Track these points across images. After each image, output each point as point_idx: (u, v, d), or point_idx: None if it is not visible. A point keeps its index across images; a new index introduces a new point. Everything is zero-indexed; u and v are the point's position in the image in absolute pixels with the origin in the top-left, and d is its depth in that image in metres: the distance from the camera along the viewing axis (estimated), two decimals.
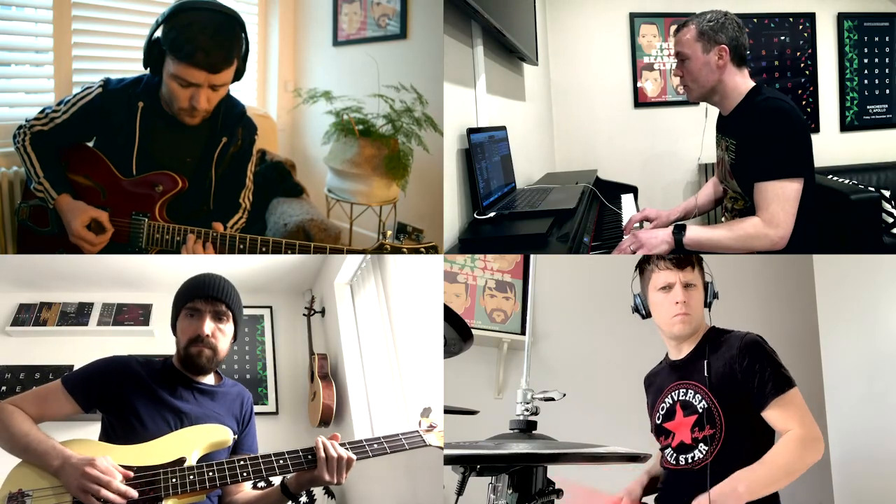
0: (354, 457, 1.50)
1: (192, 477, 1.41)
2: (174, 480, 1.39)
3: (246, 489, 1.62)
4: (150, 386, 1.57)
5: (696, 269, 1.71)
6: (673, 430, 1.67)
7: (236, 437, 1.61)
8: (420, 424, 1.67)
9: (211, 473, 1.42)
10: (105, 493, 1.32)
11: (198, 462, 1.47)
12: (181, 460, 1.44)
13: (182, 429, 1.52)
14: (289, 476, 1.52)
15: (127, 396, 1.54)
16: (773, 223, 1.88)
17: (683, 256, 1.72)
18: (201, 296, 1.62)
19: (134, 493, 1.34)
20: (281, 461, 1.48)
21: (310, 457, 1.49)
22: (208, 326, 1.60)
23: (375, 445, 1.57)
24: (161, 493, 1.37)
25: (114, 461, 1.38)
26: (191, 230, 1.94)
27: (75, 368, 1.62)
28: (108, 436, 1.54)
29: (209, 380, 1.67)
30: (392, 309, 2.90)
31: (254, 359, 3.60)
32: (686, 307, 1.67)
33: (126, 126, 2.01)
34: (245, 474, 1.45)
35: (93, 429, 1.58)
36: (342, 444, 1.50)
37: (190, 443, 1.49)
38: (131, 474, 1.38)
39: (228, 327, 1.66)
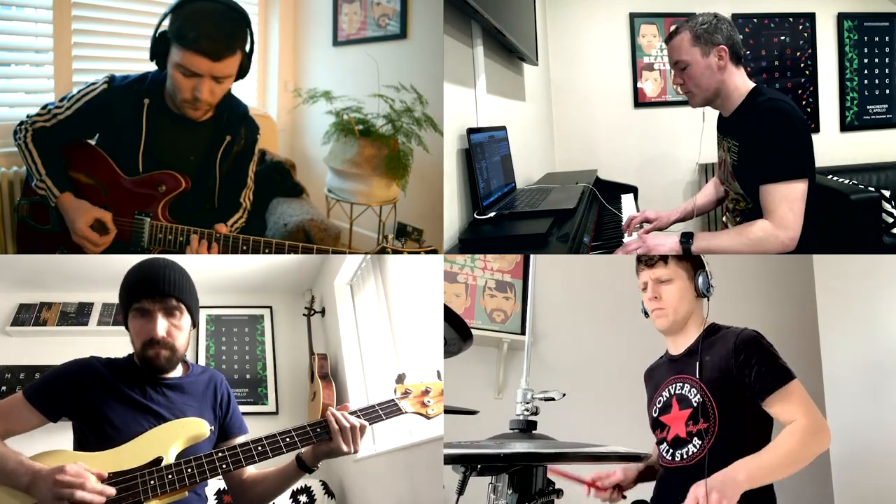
0: (367, 423, 1.50)
1: (170, 476, 1.36)
2: (152, 482, 1.35)
3: (251, 470, 1.58)
4: (117, 387, 1.49)
5: (669, 263, 1.72)
6: (668, 424, 1.68)
7: (214, 427, 1.56)
8: (395, 392, 1.63)
9: (189, 470, 1.38)
10: (80, 493, 1.26)
11: (177, 458, 1.43)
12: (158, 460, 1.39)
13: (155, 427, 1.46)
14: (303, 450, 1.50)
15: (93, 400, 1.46)
16: (782, 225, 1.87)
17: (651, 255, 1.75)
18: (147, 294, 1.49)
19: (112, 491, 1.30)
20: (259, 448, 1.44)
21: (287, 439, 1.46)
22: (161, 327, 1.49)
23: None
24: (140, 497, 1.33)
25: (87, 467, 1.32)
26: (194, 231, 1.94)
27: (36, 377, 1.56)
28: (80, 444, 1.47)
29: (176, 373, 1.59)
30: (392, 309, 2.90)
31: (254, 359, 3.60)
32: (659, 302, 1.71)
33: (131, 124, 2.01)
34: (224, 466, 1.41)
35: (66, 438, 1.51)
36: (265, 438, 1.46)
37: (165, 441, 1.44)
38: (105, 475, 1.33)
39: (184, 321, 1.54)
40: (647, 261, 1.74)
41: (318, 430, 1.49)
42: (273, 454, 1.45)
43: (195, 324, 1.60)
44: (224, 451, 1.43)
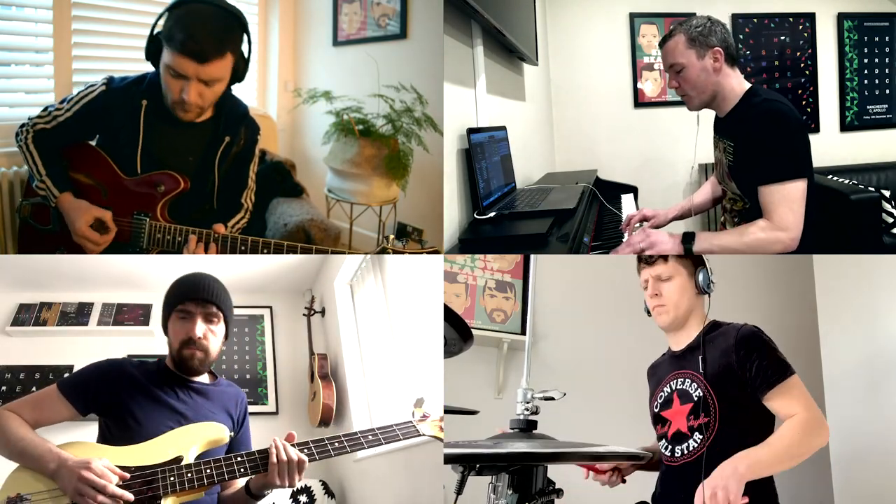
0: (306, 458, 1.48)
1: (189, 475, 1.41)
2: (172, 479, 1.40)
3: (239, 486, 1.62)
4: (146, 387, 1.57)
5: (669, 261, 1.74)
6: (669, 419, 1.68)
7: (232, 434, 1.61)
8: (413, 415, 1.67)
9: (209, 471, 1.43)
10: (101, 498, 1.32)
11: (195, 459, 1.47)
12: (178, 459, 1.44)
13: (179, 428, 1.52)
14: (253, 477, 1.52)
15: (123, 399, 1.54)
16: (782, 226, 1.87)
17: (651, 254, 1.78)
18: (192, 298, 1.62)
19: (130, 497, 1.34)
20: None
21: (305, 450, 1.50)
22: (199, 329, 1.60)
23: (370, 437, 1.57)
24: (159, 492, 1.38)
25: (111, 463, 1.37)
26: (192, 231, 1.94)
27: (71, 372, 1.62)
28: (105, 438, 1.53)
29: (203, 379, 1.68)
30: (392, 309, 2.90)
31: (254, 359, 3.60)
32: (660, 299, 1.73)
33: (129, 125, 2.01)
34: (242, 470, 1.45)
35: (91, 430, 1.58)
36: (296, 445, 1.49)
37: (187, 441, 1.49)
38: (128, 476, 1.38)
39: (219, 328, 1.66)
40: (647, 259, 1.77)
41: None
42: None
43: (227, 336, 1.69)
44: (243, 455, 1.47)
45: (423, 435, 1.64)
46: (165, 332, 1.66)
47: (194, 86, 1.92)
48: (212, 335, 1.63)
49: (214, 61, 1.91)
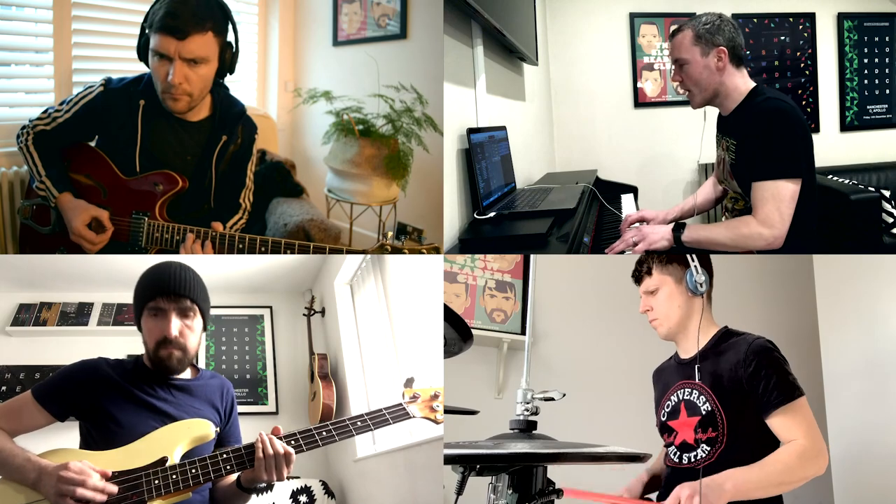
0: (292, 451, 1.44)
1: (174, 476, 1.37)
2: (157, 482, 1.36)
3: (232, 479, 1.57)
4: (125, 387, 1.51)
5: (654, 273, 1.73)
6: (676, 429, 1.67)
7: (219, 428, 1.57)
8: (403, 396, 1.62)
9: (194, 471, 1.39)
10: (81, 491, 1.28)
11: (181, 459, 1.43)
12: (163, 460, 1.40)
13: (162, 427, 1.47)
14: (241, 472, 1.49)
15: (101, 401, 1.48)
16: (766, 223, 1.87)
17: (638, 270, 1.77)
18: (163, 293, 1.51)
19: (113, 488, 1.31)
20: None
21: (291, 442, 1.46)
22: (175, 327, 1.51)
23: (359, 423, 1.52)
24: (144, 497, 1.34)
25: (91, 465, 1.33)
26: (190, 230, 1.94)
27: (44, 378, 1.56)
28: (87, 443, 1.49)
29: (186, 374, 1.61)
30: (392, 309, 2.90)
31: (254, 359, 3.60)
32: (652, 313, 1.74)
33: (127, 125, 2.01)
34: (228, 467, 1.41)
35: (72, 436, 1.53)
36: (283, 437, 1.45)
37: (171, 441, 1.45)
38: (109, 473, 1.33)
39: (196, 322, 1.56)
40: (636, 277, 1.77)
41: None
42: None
43: (206, 327, 1.62)
44: (229, 452, 1.43)
45: (413, 416, 1.59)
46: (140, 329, 1.57)
47: (178, 65, 1.91)
48: (188, 331, 1.54)
49: (194, 36, 1.90)
